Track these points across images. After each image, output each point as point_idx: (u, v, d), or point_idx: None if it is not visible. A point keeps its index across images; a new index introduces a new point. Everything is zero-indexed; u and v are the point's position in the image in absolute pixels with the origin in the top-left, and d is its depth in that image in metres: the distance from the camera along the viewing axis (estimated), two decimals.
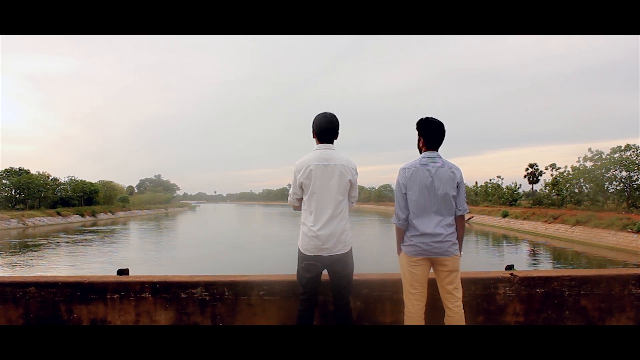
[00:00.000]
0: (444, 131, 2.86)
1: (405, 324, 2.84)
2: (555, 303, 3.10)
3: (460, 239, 2.85)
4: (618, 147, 32.84)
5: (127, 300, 3.06)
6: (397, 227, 2.88)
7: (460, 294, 2.81)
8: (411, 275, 2.80)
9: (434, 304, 2.93)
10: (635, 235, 22.75)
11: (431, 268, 2.86)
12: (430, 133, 2.85)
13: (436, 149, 2.86)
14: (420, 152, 2.91)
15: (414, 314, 2.79)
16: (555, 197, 38.99)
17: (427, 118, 2.88)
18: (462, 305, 2.80)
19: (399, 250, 2.91)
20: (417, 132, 2.91)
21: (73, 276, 3.20)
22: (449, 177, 2.79)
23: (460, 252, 2.85)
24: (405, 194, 2.81)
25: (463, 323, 2.78)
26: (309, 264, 2.79)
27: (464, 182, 2.94)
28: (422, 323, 2.81)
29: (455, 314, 2.77)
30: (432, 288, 2.90)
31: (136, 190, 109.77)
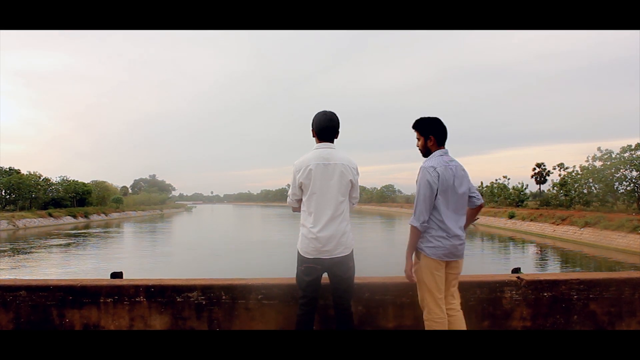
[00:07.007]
0: None
1: (435, 329, 2.67)
2: (564, 307, 3.03)
3: None
4: (628, 146, 31.97)
5: (121, 304, 2.98)
6: (415, 229, 2.71)
7: (458, 293, 2.79)
8: (438, 278, 2.69)
9: None
10: None
11: None
12: (442, 131, 2.82)
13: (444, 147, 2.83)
14: (423, 153, 2.84)
15: (444, 319, 2.68)
16: (563, 197, 38.10)
17: (429, 117, 2.83)
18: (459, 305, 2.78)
19: (413, 253, 2.77)
20: (417, 132, 2.84)
21: (65, 279, 3.13)
22: (464, 174, 2.77)
23: None
24: (436, 194, 2.69)
25: (464, 323, 2.73)
26: (308, 267, 2.71)
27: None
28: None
29: (456, 313, 2.74)
30: None
31: (130, 191, 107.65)
